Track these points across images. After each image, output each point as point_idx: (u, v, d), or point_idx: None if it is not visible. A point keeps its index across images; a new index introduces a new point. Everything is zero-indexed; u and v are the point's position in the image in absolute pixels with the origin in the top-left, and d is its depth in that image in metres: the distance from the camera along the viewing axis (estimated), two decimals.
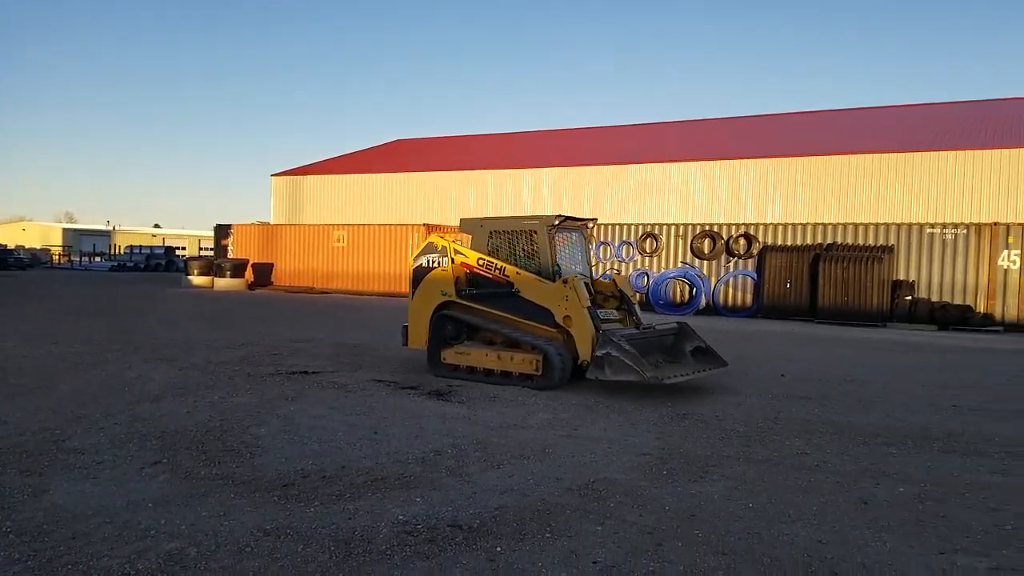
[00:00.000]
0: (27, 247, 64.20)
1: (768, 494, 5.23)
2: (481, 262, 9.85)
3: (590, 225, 10.43)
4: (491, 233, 10.02)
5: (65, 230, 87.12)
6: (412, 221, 31.88)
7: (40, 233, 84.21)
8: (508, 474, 5.57)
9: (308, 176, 39.14)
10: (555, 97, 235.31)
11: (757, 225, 22.94)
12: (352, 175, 37.77)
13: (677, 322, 9.89)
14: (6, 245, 57.49)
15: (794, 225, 22.57)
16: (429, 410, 7.78)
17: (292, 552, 4.05)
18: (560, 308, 9.07)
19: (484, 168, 34.23)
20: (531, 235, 9.70)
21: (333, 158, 43.56)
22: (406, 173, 36.32)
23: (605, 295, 9.92)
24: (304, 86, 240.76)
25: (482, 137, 44.25)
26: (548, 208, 31.79)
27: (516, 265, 9.62)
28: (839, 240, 21.68)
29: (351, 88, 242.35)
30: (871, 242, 21.27)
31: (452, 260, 10.03)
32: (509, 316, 9.53)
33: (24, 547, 4.02)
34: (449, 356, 9.81)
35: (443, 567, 3.91)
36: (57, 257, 64.98)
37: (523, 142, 40.23)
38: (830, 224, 22.34)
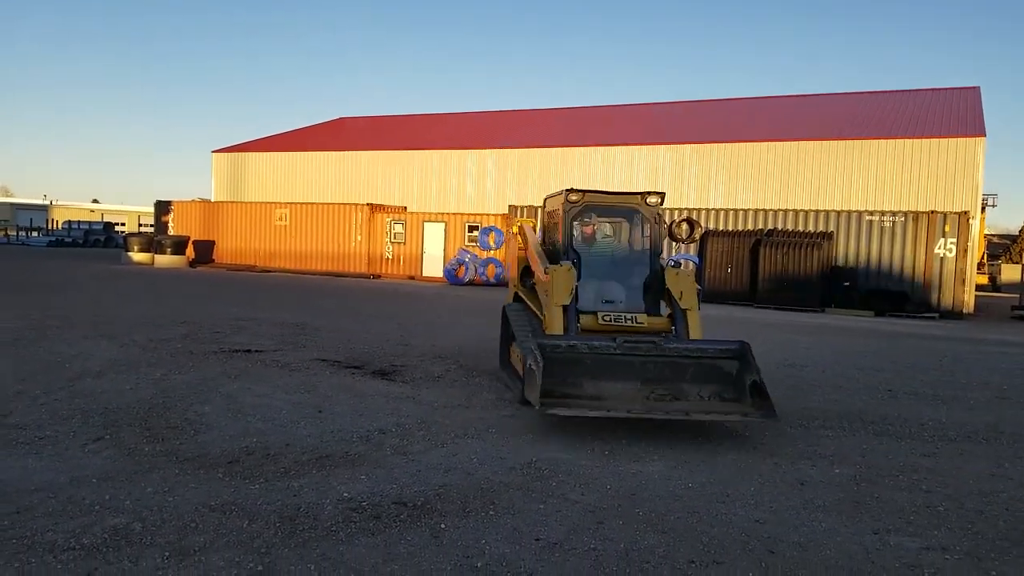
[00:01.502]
0: None
1: (707, 474, 5.41)
2: (521, 249, 8.97)
3: (649, 202, 7.93)
4: (548, 213, 8.80)
5: (1, 204, 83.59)
6: (356, 200, 31.56)
7: None
8: (452, 453, 5.65)
9: (250, 153, 38.32)
10: (502, 79, 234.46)
11: (700, 210, 23.40)
12: (295, 152, 37.13)
13: (740, 343, 6.75)
14: None
15: (736, 211, 23.12)
16: (373, 389, 7.80)
17: (238, 528, 4.07)
18: (545, 304, 7.69)
19: (429, 148, 34.01)
20: (554, 216, 8.38)
21: (276, 135, 42.69)
22: (350, 152, 35.83)
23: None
24: (248, 61, 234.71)
25: (427, 117, 43.87)
26: (489, 191, 31.81)
27: (543, 252, 8.38)
28: (780, 226, 22.27)
29: (295, 64, 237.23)
30: (811, 228, 21.90)
31: (521, 247, 9.01)
32: (536, 312, 8.23)
33: None
34: (510, 354, 8.45)
35: (388, 543, 3.98)
36: None
37: (470, 123, 40.05)
38: (771, 210, 22.94)
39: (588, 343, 6.65)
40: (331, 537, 4.02)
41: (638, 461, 5.66)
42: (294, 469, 5.09)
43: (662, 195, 7.85)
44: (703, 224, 22.71)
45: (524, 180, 31.26)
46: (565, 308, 7.26)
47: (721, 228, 22.77)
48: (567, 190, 7.81)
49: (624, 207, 8.04)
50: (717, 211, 23.23)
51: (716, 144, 28.30)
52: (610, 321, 7.36)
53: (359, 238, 28.47)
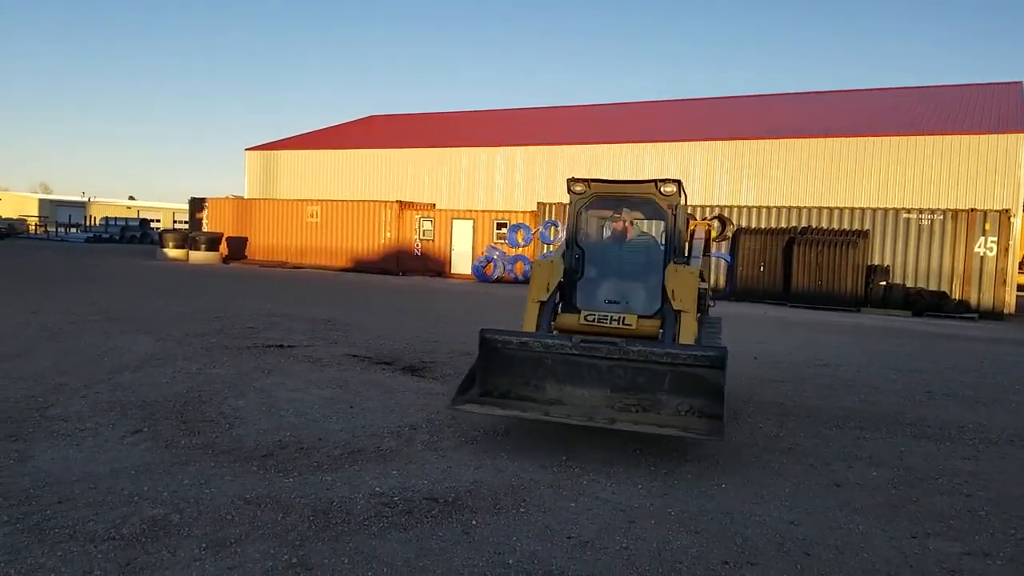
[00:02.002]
0: (3, 217, 62.99)
1: (740, 474, 5.35)
2: None
3: (664, 191, 6.76)
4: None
5: (41, 201, 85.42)
6: (385, 198, 31.75)
7: (16, 203, 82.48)
8: (482, 449, 5.66)
9: (283, 151, 38.72)
10: (532, 76, 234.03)
11: (731, 207, 23.15)
12: (326, 151, 37.45)
13: (719, 348, 5.79)
14: None
15: (768, 208, 22.81)
16: (403, 385, 7.84)
17: (272, 521, 4.12)
18: None
19: (458, 146, 34.09)
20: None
21: (308, 133, 43.09)
22: (380, 149, 36.06)
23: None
24: (281, 60, 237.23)
25: (456, 114, 43.97)
26: (517, 188, 31.76)
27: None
28: (814, 224, 21.94)
29: (327, 63, 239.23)
30: (846, 226, 21.55)
31: None
32: None
33: (13, 510, 4.07)
34: None
35: (420, 539, 4.00)
36: (34, 227, 63.86)
37: (499, 120, 40.06)
38: (805, 207, 22.60)
39: (542, 340, 6.02)
40: (363, 531, 4.05)
41: (670, 460, 5.62)
42: (326, 463, 5.13)
43: (678, 183, 6.78)
44: (735, 222, 22.51)
45: (553, 177, 31.18)
46: (543, 305, 6.68)
47: (754, 226, 22.50)
48: (569, 179, 7.14)
49: (636, 197, 7.10)
50: (749, 208, 22.95)
51: (748, 140, 27.98)
52: (593, 321, 6.60)
53: (388, 235, 28.65)
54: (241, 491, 4.54)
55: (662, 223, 7.18)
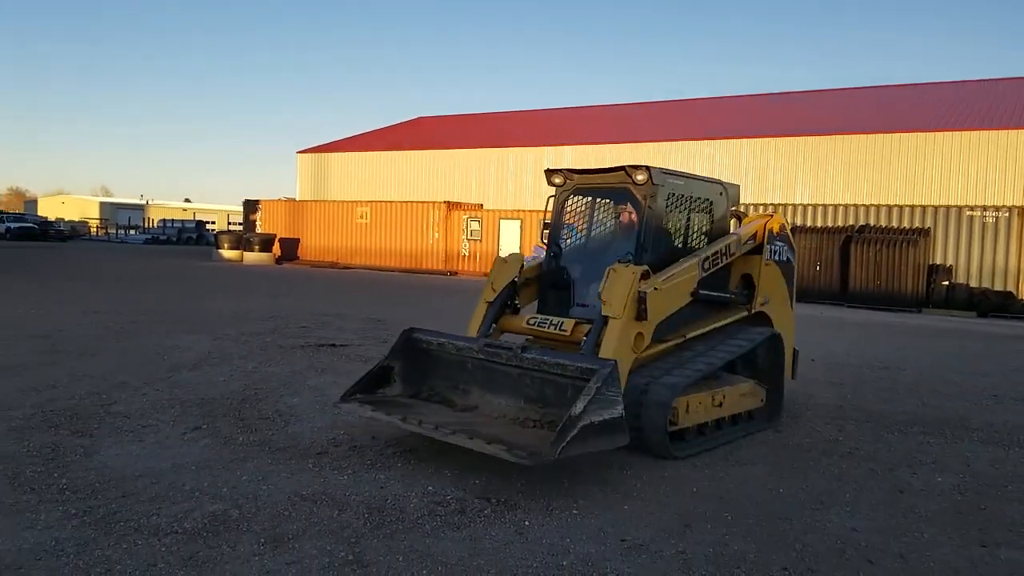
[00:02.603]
0: (66, 219, 65.38)
1: (799, 479, 5.24)
2: None
3: (637, 179, 5.97)
4: None
5: (102, 203, 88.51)
6: (433, 198, 31.96)
7: (78, 206, 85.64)
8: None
9: (333, 153, 39.34)
10: (580, 76, 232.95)
11: (785, 206, 22.66)
12: (375, 152, 37.91)
13: (608, 361, 4.92)
14: (47, 218, 58.61)
15: (824, 206, 22.28)
16: None
17: (328, 517, 4.17)
18: None
19: (505, 146, 34.12)
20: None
21: (358, 135, 43.69)
22: (428, 151, 36.32)
23: None
24: (331, 63, 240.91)
25: (504, 115, 44.09)
26: None
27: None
28: (872, 222, 21.35)
29: (377, 65, 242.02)
30: (906, 224, 20.93)
31: None
32: None
33: (80, 504, 4.20)
34: None
35: (473, 538, 4.00)
36: (95, 229, 66.11)
37: (546, 120, 40.03)
38: (862, 205, 22.01)
39: (456, 342, 5.73)
40: (417, 529, 4.07)
41: (724, 464, 5.52)
42: (380, 462, 5.17)
43: (648, 169, 5.91)
44: (789, 220, 22.04)
45: None
46: (491, 305, 6.25)
47: (808, 224, 21.99)
48: (547, 170, 6.56)
49: (613, 188, 6.28)
50: (804, 207, 22.44)
51: (801, 137, 27.40)
52: (534, 325, 6.03)
53: (436, 235, 28.86)
54: (297, 488, 4.60)
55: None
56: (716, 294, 6.45)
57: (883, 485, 5.18)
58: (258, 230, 33.68)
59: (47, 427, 5.62)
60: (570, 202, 6.56)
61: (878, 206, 21.70)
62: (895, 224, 21.05)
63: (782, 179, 27.51)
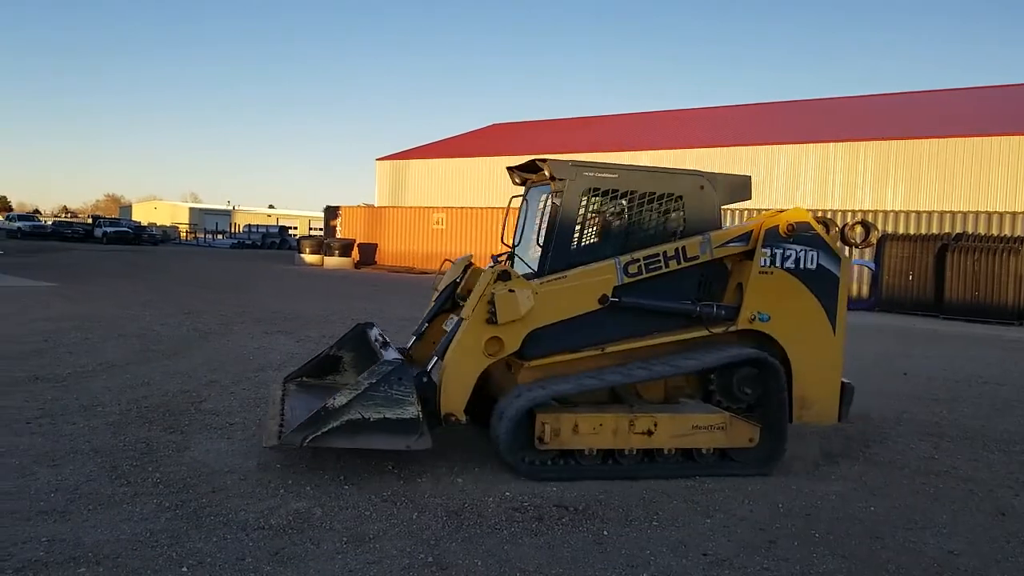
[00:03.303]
0: (158, 224, 68.59)
1: (891, 498, 5.01)
2: None
3: (545, 174, 5.60)
4: None
5: (191, 209, 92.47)
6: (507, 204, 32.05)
7: (169, 211, 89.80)
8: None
9: (410, 160, 40.03)
10: (656, 80, 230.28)
11: (876, 212, 21.75)
12: (451, 159, 38.35)
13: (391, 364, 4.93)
14: (140, 223, 61.65)
15: (918, 213, 21.27)
16: None
17: (408, 519, 4.21)
18: None
19: (578, 151, 33.97)
20: None
21: (434, 142, 44.32)
22: (502, 157, 36.52)
23: None
24: (410, 73, 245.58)
25: (577, 120, 43.90)
26: None
27: None
28: (970, 229, 20.26)
29: (453, 73, 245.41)
30: (1006, 232, 19.78)
31: None
32: None
33: (173, 497, 4.37)
34: None
35: (552, 545, 3.97)
36: (184, 234, 69.14)
37: (618, 125, 39.67)
38: (959, 212, 20.92)
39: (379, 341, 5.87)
40: (496, 534, 4.07)
41: (813, 480, 5.33)
42: (457, 466, 5.20)
43: (547, 163, 5.46)
44: (880, 227, 21.17)
45: None
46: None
47: (901, 231, 21.04)
48: (509, 168, 6.18)
49: (547, 183, 5.72)
50: (896, 213, 21.47)
51: (893, 141, 26.29)
52: (447, 328, 5.78)
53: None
54: (378, 488, 4.67)
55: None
56: (656, 303, 5.41)
57: (983, 506, 4.91)
58: (338, 235, 34.56)
59: (142, 423, 5.88)
60: (521, 200, 6.34)
61: (976, 213, 20.59)
62: (994, 232, 19.92)
63: (872, 185, 26.45)
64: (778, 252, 5.45)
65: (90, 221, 55.82)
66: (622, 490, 4.88)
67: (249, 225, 67.01)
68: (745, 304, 5.42)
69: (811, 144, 27.89)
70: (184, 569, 3.48)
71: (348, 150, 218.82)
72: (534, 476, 5.03)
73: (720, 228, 5.65)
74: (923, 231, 20.78)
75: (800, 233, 5.49)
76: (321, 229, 42.91)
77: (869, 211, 22.10)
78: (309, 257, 33.24)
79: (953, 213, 20.83)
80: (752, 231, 5.51)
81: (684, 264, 5.42)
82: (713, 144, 30.72)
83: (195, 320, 11.91)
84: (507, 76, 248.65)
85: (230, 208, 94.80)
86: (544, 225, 5.54)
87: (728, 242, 5.51)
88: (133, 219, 69.26)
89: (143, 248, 43.37)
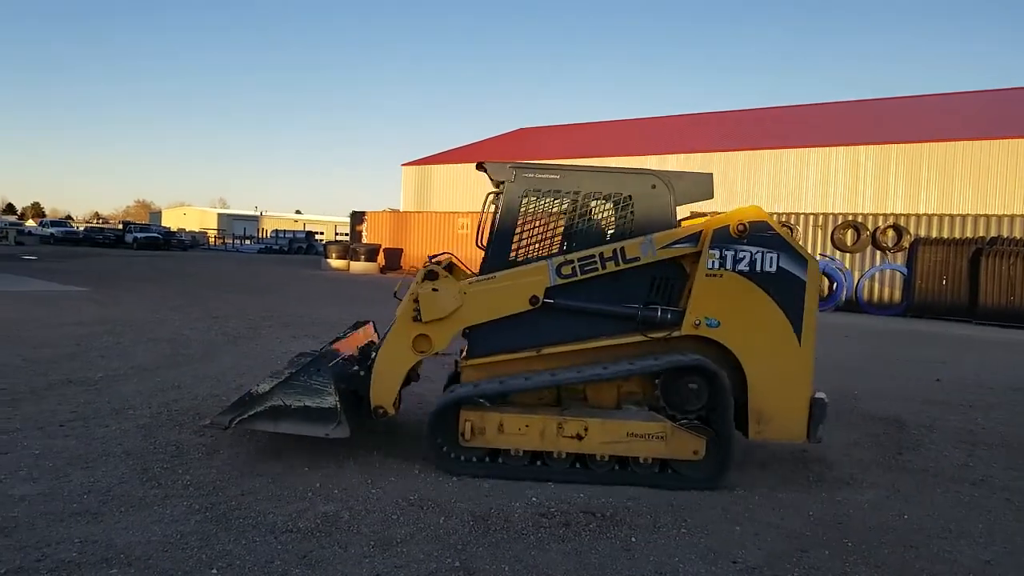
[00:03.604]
0: (187, 230, 69.56)
1: (925, 506, 4.92)
2: None
3: (488, 172, 5.59)
4: None
5: (219, 215, 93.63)
6: None
7: (198, 217, 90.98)
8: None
9: (435, 165, 40.18)
10: (683, 83, 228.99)
11: (908, 216, 21.38)
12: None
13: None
14: (170, 228, 62.57)
15: (952, 216, 20.86)
16: None
17: (434, 523, 4.21)
18: None
19: (606, 155, 33.85)
20: None
21: (460, 147, 44.46)
22: (529, 161, 36.45)
23: None
24: (437, 77, 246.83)
25: (605, 124, 43.78)
26: None
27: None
28: (1005, 233, 19.86)
29: (481, 78, 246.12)
30: None
31: None
32: None
33: (203, 500, 4.41)
34: None
35: (579, 552, 3.94)
36: (213, 239, 70.04)
37: (648, 128, 39.48)
38: (994, 215, 20.50)
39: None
40: (523, 540, 4.05)
41: (845, 488, 5.24)
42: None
43: (484, 166, 5.57)
44: (912, 231, 20.82)
45: None
46: None
47: (934, 235, 20.67)
48: (478, 165, 5.82)
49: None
50: (929, 216, 21.08)
51: (926, 143, 25.86)
52: None
53: None
54: (405, 492, 4.68)
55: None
56: (594, 306, 5.27)
57: (1020, 515, 4.79)
58: (364, 240, 34.80)
59: (172, 426, 5.95)
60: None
61: (1012, 216, 20.16)
62: None
63: (905, 188, 26.04)
64: (728, 254, 5.07)
65: (121, 227, 56.74)
66: (650, 497, 4.84)
67: (276, 230, 67.69)
68: (690, 308, 5.12)
69: (841, 147, 27.54)
70: (214, 571, 3.51)
71: (374, 156, 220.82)
72: (449, 470, 5.10)
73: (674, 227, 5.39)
74: (957, 235, 20.40)
75: (755, 234, 5.08)
76: (347, 234, 43.23)
77: (901, 215, 21.72)
78: (335, 262, 33.50)
79: (988, 216, 20.41)
80: (701, 232, 5.18)
81: (624, 266, 5.20)
82: (740, 148, 30.46)
83: (223, 324, 12.05)
84: (537, 79, 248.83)
85: (258, 214, 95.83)
86: (491, 227, 5.54)
87: (674, 243, 5.18)
88: (163, 225, 70.25)
89: (172, 253, 44.00)
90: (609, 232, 5.41)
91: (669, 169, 6.98)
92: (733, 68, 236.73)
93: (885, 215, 21.71)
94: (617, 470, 5.13)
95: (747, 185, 29.42)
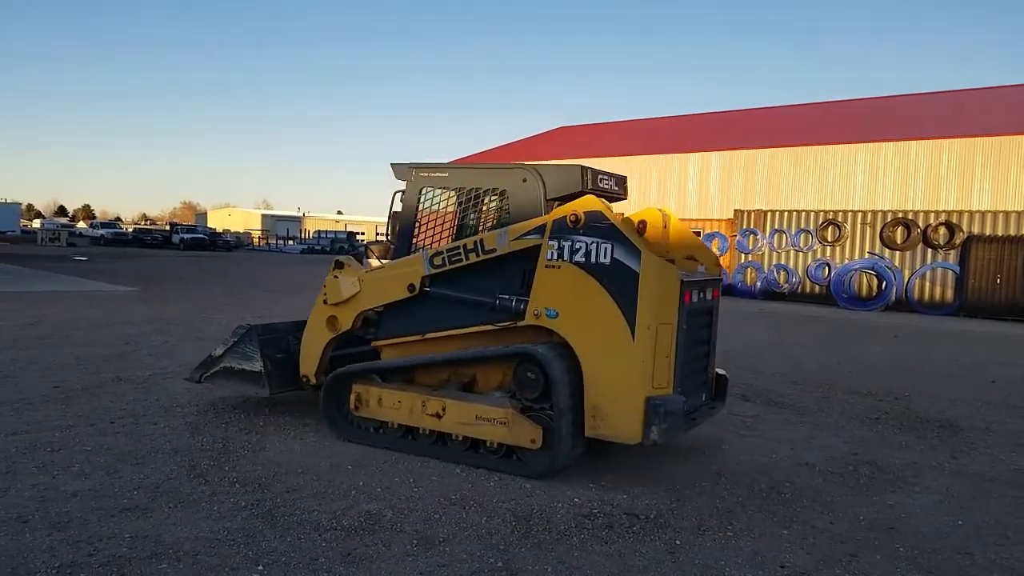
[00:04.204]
0: (232, 231, 70.94)
1: (980, 512, 4.76)
2: None
3: (395, 173, 6.24)
4: None
5: (263, 215, 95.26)
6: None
7: (243, 218, 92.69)
8: (682, 468, 5.45)
9: None
10: (725, 78, 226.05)
11: (960, 212, 20.77)
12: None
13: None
14: (215, 229, 63.89)
15: (1007, 213, 20.22)
16: None
17: (476, 523, 4.20)
18: None
19: (648, 153, 33.57)
20: None
21: (499, 146, 44.48)
22: (569, 160, 36.38)
23: None
24: (477, 75, 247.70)
25: (647, 121, 43.40)
26: (712, 195, 30.65)
27: None
28: None
29: (521, 75, 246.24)
30: None
31: None
32: None
33: (248, 496, 4.47)
34: None
35: (623, 554, 3.90)
36: (257, 240, 71.32)
37: (691, 125, 39.05)
38: None
39: None
40: (565, 541, 4.02)
41: (896, 491, 5.10)
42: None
43: (393, 167, 6.11)
44: (965, 228, 20.22)
45: (752, 182, 29.86)
46: None
47: (988, 233, 20.04)
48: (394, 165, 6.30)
49: None
50: (983, 213, 20.45)
51: (979, 138, 25.09)
52: None
53: None
54: (447, 491, 4.68)
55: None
56: (459, 294, 5.43)
57: None
58: None
59: (219, 423, 6.06)
60: None
61: None
62: None
63: (957, 184, 25.31)
64: (566, 244, 4.96)
65: (168, 228, 58.12)
66: (695, 499, 4.77)
67: (319, 231, 68.57)
68: (532, 298, 5.09)
69: (890, 143, 26.89)
70: (260, 567, 3.55)
71: (415, 156, 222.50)
72: (341, 436, 5.74)
73: None
74: (1012, 232, 19.77)
75: (591, 224, 4.90)
76: (388, 234, 43.58)
77: (953, 211, 21.11)
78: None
79: None
80: (546, 223, 5.10)
81: (484, 256, 5.27)
82: (783, 144, 29.93)
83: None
84: (579, 79, 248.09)
85: (300, 214, 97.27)
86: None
87: (524, 234, 5.15)
88: (208, 226, 71.74)
89: (218, 254, 44.90)
90: (488, 225, 5.74)
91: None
92: (773, 64, 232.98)
93: (936, 212, 21.13)
94: (469, 451, 5.29)
95: (793, 182, 28.92)
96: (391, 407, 5.50)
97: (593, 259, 4.89)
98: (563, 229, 4.99)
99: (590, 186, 5.45)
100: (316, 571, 3.54)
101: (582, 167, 5.49)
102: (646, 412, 4.71)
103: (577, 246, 4.94)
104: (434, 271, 5.47)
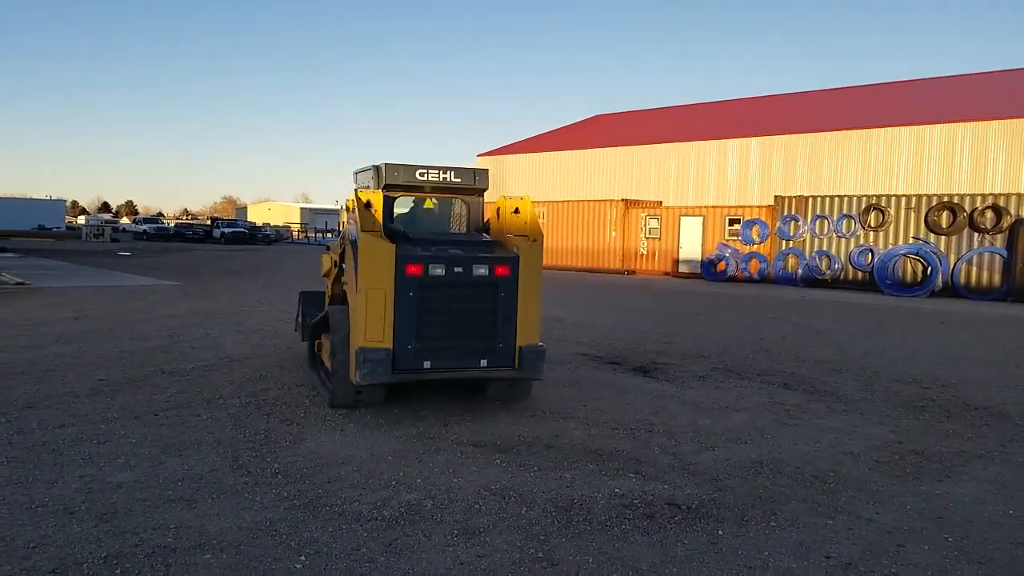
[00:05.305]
0: (272, 225, 71.94)
1: None
2: None
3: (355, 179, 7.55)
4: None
5: (302, 209, 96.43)
6: (611, 197, 31.74)
7: (282, 212, 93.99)
8: (724, 457, 5.39)
9: (511, 155, 40.24)
10: (763, 62, 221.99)
11: (1009, 195, 20.14)
12: (551, 152, 38.29)
13: None
14: (255, 223, 64.87)
15: None
16: (635, 386, 7.73)
17: (516, 513, 4.20)
18: None
19: (685, 140, 33.15)
20: None
21: (534, 136, 44.37)
22: (604, 148, 36.12)
23: None
24: (511, 66, 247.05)
25: (683, 108, 42.89)
26: (752, 182, 30.19)
27: None
28: None
29: (554, 66, 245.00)
30: None
31: None
32: None
33: (290, 487, 4.53)
34: None
35: (664, 544, 3.86)
36: (296, 233, 72.22)
37: (729, 111, 38.47)
38: None
39: None
40: (606, 532, 4.00)
41: (944, 480, 4.98)
42: (565, 461, 5.16)
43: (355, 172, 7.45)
44: (1013, 211, 19.62)
45: (792, 168, 29.32)
46: None
47: None
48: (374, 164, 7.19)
49: None
50: None
51: None
52: None
53: (614, 234, 28.64)
54: (487, 482, 4.69)
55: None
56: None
57: None
58: None
59: (260, 415, 6.14)
60: None
61: None
62: None
63: (1005, 166, 24.55)
64: (352, 227, 6.35)
65: (209, 222, 59.09)
66: (738, 488, 4.71)
67: None
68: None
69: (936, 125, 26.17)
70: (302, 557, 3.59)
71: (448, 147, 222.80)
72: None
73: (481, 214, 7.58)
74: None
75: (356, 210, 6.24)
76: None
77: (1001, 194, 20.47)
78: None
79: None
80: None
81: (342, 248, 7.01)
82: (824, 128, 29.33)
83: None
84: (612, 67, 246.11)
85: (339, 207, 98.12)
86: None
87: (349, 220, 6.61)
88: (248, 220, 72.84)
89: (258, 248, 45.57)
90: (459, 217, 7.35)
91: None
92: (810, 49, 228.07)
93: (983, 195, 20.50)
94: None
95: (834, 167, 28.34)
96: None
97: (353, 237, 6.12)
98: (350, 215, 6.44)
99: (400, 182, 6.55)
100: (358, 561, 3.57)
101: (376, 166, 6.64)
102: (355, 358, 5.75)
103: (352, 227, 6.19)
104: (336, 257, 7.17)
